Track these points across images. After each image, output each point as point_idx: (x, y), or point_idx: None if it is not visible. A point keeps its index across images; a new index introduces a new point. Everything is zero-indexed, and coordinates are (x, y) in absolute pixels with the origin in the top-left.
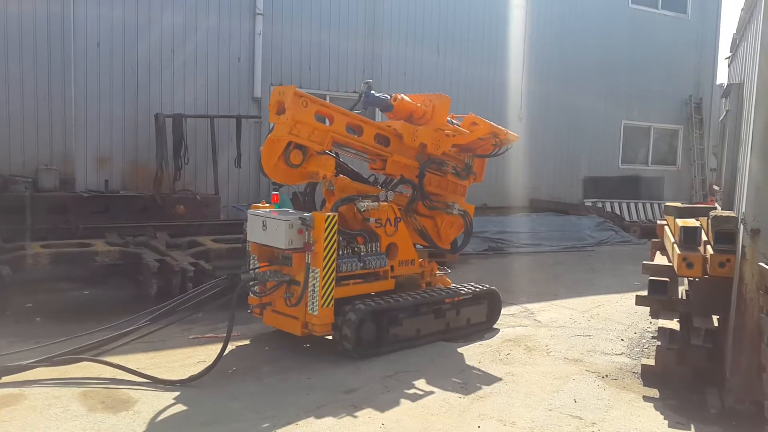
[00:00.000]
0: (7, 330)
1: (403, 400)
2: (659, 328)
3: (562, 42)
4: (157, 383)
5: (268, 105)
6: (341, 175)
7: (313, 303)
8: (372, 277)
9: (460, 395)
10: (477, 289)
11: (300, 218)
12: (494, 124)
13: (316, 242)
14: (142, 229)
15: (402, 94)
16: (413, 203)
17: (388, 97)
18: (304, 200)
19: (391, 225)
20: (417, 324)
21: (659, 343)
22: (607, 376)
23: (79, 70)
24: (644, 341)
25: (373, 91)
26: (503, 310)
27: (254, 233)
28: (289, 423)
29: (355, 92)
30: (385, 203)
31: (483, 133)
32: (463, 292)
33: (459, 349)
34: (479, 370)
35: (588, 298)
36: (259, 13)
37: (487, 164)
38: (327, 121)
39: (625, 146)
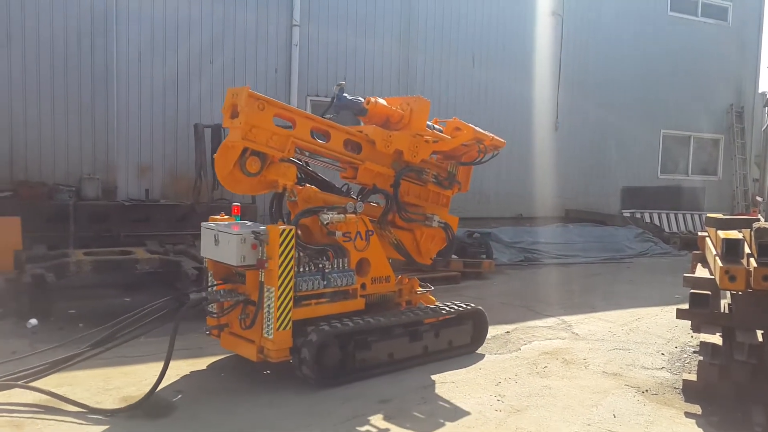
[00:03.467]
0: (51, 336)
1: (438, 412)
2: (701, 342)
3: (599, 50)
4: (93, 413)
5: (221, 108)
6: (307, 185)
7: (268, 325)
8: (339, 296)
9: (496, 408)
10: (460, 309)
11: (253, 232)
12: (479, 129)
13: (270, 258)
14: (181, 238)
15: (377, 97)
16: (387, 215)
17: (362, 100)
18: (271, 211)
19: (361, 239)
20: (389, 348)
21: (701, 357)
22: (647, 391)
23: (121, 82)
24: (685, 356)
25: (345, 94)
26: (539, 322)
27: (207, 249)
28: None
29: None
30: (353, 215)
31: (466, 139)
32: (443, 311)
33: (495, 361)
34: (516, 382)
35: (627, 311)
36: (296, 25)
37: (522, 174)
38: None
39: (665, 156)
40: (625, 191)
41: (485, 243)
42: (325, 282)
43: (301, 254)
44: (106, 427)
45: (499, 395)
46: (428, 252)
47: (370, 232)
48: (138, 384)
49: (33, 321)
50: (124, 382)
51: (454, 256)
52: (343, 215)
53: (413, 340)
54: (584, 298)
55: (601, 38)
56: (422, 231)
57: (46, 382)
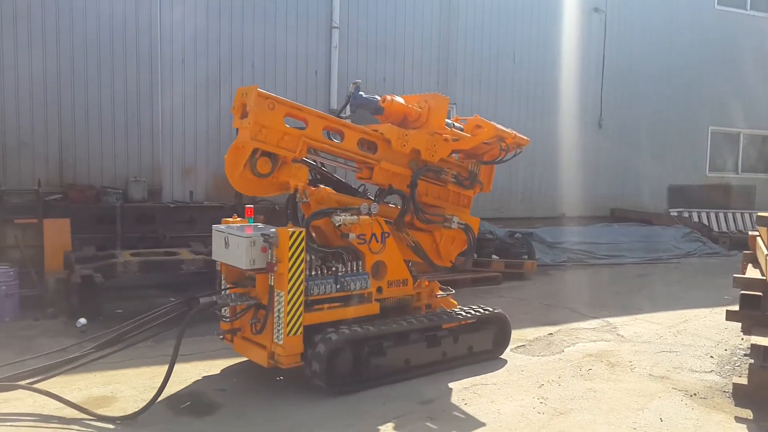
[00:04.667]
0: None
1: (480, 414)
2: (752, 344)
3: (643, 47)
4: (100, 420)
5: (231, 109)
6: (321, 186)
7: (278, 330)
8: (354, 300)
9: (539, 411)
10: (481, 313)
11: (263, 234)
12: (500, 127)
13: (279, 262)
14: None
15: (394, 95)
16: (404, 216)
17: (378, 98)
18: (286, 213)
19: (377, 241)
20: (405, 354)
21: (752, 360)
22: (695, 394)
23: (166, 86)
24: (735, 359)
25: (361, 92)
26: (584, 324)
27: (218, 251)
28: None
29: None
30: (367, 216)
31: (487, 137)
32: (462, 316)
33: (537, 363)
34: (559, 385)
35: (674, 313)
36: (335, 27)
37: (565, 173)
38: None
39: (713, 153)
40: (672, 190)
41: (527, 243)
42: (338, 286)
43: (313, 257)
44: (153, 427)
45: (542, 398)
46: (448, 254)
47: (386, 234)
48: (183, 383)
49: (82, 320)
50: (170, 380)
51: (494, 257)
52: (356, 217)
53: (431, 345)
54: (630, 299)
55: (646, 34)
56: (441, 233)
57: (94, 381)
